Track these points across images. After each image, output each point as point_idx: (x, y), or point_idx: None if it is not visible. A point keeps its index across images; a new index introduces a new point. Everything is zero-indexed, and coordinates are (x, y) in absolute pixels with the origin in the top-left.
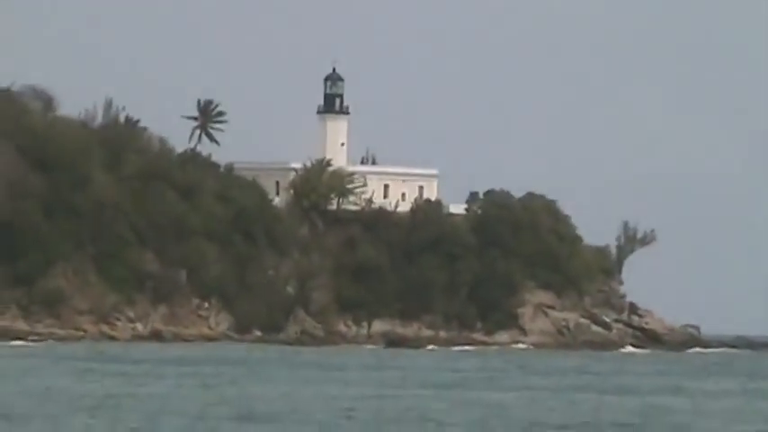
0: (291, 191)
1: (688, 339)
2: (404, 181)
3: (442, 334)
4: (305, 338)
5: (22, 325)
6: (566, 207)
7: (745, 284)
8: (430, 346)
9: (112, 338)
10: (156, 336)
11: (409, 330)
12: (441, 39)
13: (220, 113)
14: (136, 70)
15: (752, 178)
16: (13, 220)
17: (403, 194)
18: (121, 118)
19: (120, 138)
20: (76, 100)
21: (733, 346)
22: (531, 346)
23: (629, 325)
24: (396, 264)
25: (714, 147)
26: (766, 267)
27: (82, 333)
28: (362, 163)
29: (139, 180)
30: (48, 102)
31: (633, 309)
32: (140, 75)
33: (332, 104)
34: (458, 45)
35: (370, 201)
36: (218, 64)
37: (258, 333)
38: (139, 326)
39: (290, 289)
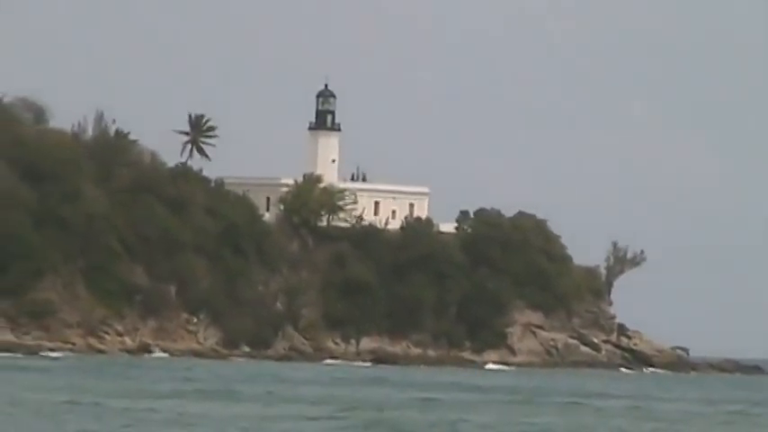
0: (281, 206)
1: (677, 361)
2: (394, 198)
3: (431, 352)
4: (293, 354)
5: (9, 336)
6: (556, 227)
7: (734, 307)
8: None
9: (101, 352)
10: (145, 349)
11: (398, 348)
12: (433, 57)
13: (211, 128)
14: (127, 83)
15: (744, 200)
16: (1, 231)
17: (393, 212)
18: (112, 131)
19: (110, 151)
20: (68, 112)
21: (722, 369)
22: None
23: (617, 346)
24: (385, 281)
25: (707, 167)
26: (756, 290)
27: (70, 346)
28: (353, 180)
29: (129, 193)
30: (39, 113)
31: (622, 330)
32: (132, 88)
33: (323, 121)
34: (450, 64)
35: (360, 218)
36: (211, 78)
37: (246, 348)
38: (128, 339)
39: (279, 305)
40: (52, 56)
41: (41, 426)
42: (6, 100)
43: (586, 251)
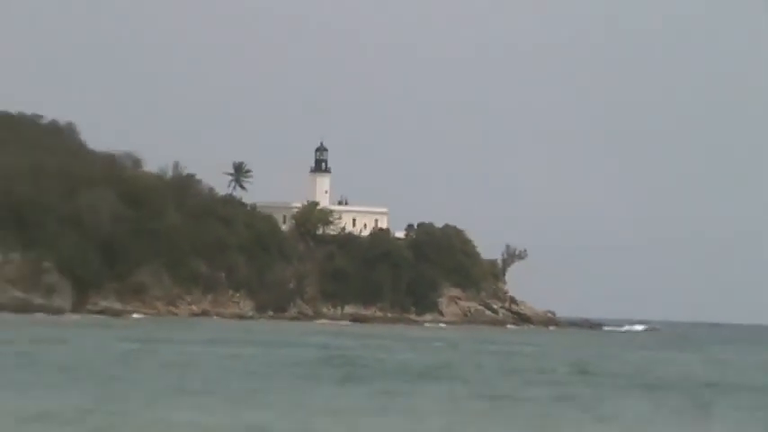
0: (293, 222)
1: (548, 320)
2: (365, 216)
3: (389, 315)
4: (300, 316)
5: (117, 305)
6: (471, 234)
7: (591, 281)
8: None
9: (175, 315)
10: (205, 314)
11: (368, 312)
12: (390, 126)
13: (248, 171)
14: (194, 141)
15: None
16: (114, 239)
17: (365, 225)
18: (184, 173)
19: (183, 186)
20: (155, 161)
21: (576, 325)
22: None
23: (509, 311)
24: (359, 270)
25: (577, 185)
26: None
27: (156, 311)
28: (339, 204)
29: (196, 214)
30: (136, 162)
31: (512, 300)
32: (197, 144)
33: (319, 166)
34: (401, 127)
35: (343, 229)
36: (248, 137)
37: (271, 313)
38: (194, 307)
39: (291, 285)
40: (148, 120)
41: (117, 363)
42: (116, 153)
43: (490, 250)
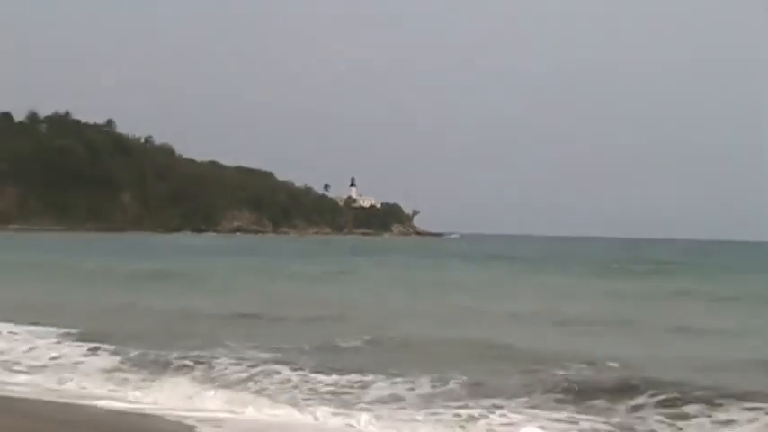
0: (344, 203)
1: (428, 234)
2: (369, 201)
3: (374, 233)
4: (347, 234)
5: (286, 230)
6: (404, 206)
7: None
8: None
9: (306, 234)
10: (315, 234)
11: (368, 231)
12: (380, 170)
13: (329, 186)
14: (314, 173)
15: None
16: (286, 208)
17: (369, 204)
18: (305, 186)
19: (307, 192)
20: (300, 181)
21: (437, 235)
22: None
23: (414, 232)
24: (365, 218)
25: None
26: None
27: (299, 234)
28: (359, 196)
29: (314, 201)
30: (291, 184)
31: (415, 227)
32: (315, 173)
33: (353, 183)
34: (388, 167)
35: (360, 206)
36: (326, 171)
37: (336, 232)
38: (311, 231)
39: (343, 223)
40: (297, 165)
41: (285, 249)
42: (285, 180)
43: (408, 210)
